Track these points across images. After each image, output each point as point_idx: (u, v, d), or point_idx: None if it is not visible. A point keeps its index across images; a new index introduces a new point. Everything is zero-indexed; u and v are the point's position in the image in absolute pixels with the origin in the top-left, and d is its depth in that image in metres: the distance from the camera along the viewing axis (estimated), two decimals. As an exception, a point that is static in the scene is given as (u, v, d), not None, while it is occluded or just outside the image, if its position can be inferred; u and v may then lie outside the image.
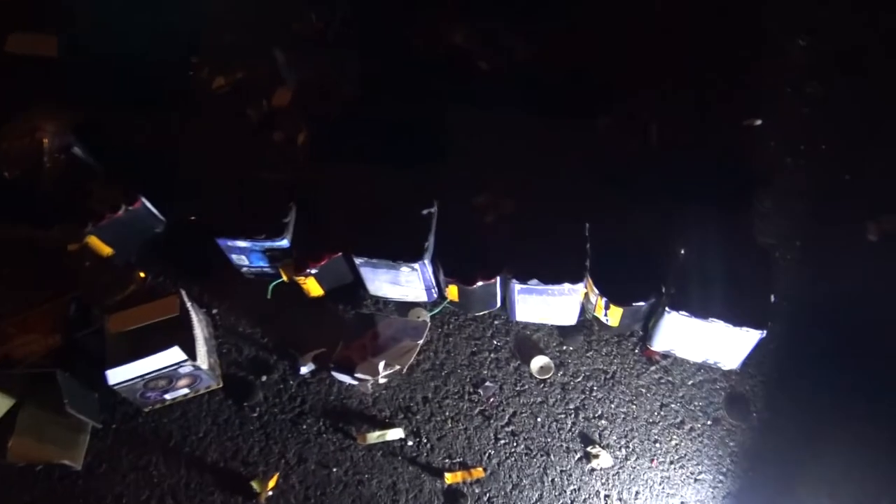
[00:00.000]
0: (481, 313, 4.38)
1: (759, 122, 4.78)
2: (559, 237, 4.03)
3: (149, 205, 4.50)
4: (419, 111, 4.84)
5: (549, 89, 4.88)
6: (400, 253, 4.00)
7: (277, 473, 4.02)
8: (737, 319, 3.66)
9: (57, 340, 4.11)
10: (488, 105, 4.84)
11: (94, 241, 4.35)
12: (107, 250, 4.43)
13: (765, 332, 3.66)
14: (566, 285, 3.87)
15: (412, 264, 4.00)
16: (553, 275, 3.88)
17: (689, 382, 4.12)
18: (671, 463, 3.93)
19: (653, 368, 4.17)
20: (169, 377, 3.99)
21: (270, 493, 3.98)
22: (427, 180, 4.55)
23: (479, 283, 4.04)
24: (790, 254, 4.40)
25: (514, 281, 3.93)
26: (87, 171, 4.56)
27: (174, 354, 3.84)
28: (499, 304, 4.33)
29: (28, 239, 4.32)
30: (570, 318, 4.23)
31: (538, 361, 4.22)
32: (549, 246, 4.01)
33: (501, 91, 4.92)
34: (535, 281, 3.88)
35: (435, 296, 4.36)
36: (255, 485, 3.98)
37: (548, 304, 4.08)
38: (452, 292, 4.19)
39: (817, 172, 4.63)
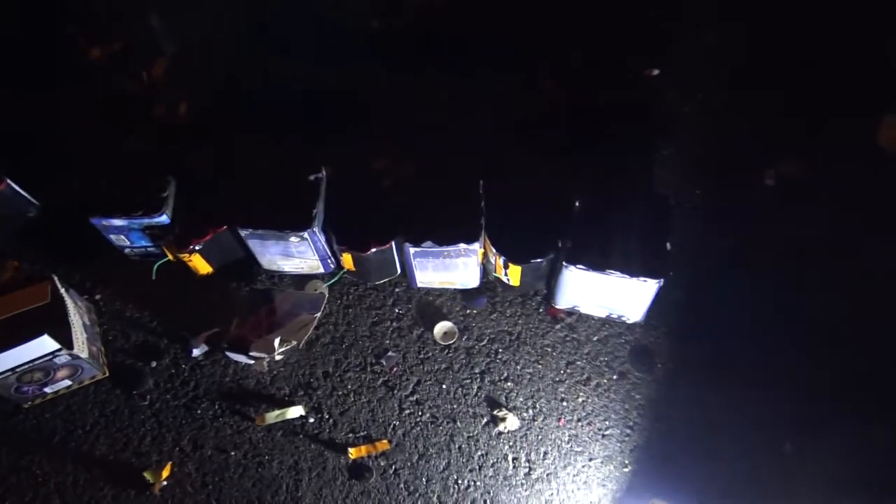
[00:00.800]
0: (381, 282, 4.22)
1: (657, 71, 4.71)
2: (454, 197, 3.88)
3: (16, 187, 4.16)
4: (308, 76, 4.60)
5: (449, 47, 4.70)
6: (287, 222, 3.80)
7: (171, 462, 3.81)
8: (634, 270, 3.59)
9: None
10: (384, 64, 4.64)
11: (-44, 229, 4.00)
12: (-28, 238, 4.09)
13: (662, 281, 3.60)
14: (461, 245, 3.73)
15: (301, 233, 3.80)
16: (448, 236, 3.73)
17: (594, 338, 4.06)
18: (578, 420, 3.86)
19: (558, 327, 4.09)
20: (45, 369, 3.71)
21: (165, 482, 3.76)
22: (322, 146, 4.34)
23: (374, 250, 3.88)
24: (690, 202, 4.35)
25: (407, 245, 3.77)
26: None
27: (45, 344, 3.57)
28: (399, 271, 4.17)
29: None
30: (471, 281, 4.11)
31: (441, 327, 4.09)
32: (444, 207, 3.86)
33: (398, 50, 4.72)
34: (428, 243, 3.74)
35: (332, 266, 4.18)
36: (147, 475, 3.76)
37: (447, 268, 3.94)
38: (348, 261, 4.01)
39: (715, 120, 4.59)
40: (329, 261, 4.11)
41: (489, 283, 4.18)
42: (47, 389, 3.88)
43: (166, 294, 4.19)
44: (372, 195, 4.11)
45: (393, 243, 3.90)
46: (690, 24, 4.89)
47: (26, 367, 3.64)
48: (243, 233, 3.87)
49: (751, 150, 4.47)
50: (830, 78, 4.48)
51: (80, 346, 3.77)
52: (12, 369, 3.61)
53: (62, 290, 3.80)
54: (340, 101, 4.66)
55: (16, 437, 3.89)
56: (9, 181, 4.12)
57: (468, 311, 4.14)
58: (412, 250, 3.80)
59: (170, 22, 4.83)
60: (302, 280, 4.24)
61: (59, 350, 3.63)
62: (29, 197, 4.25)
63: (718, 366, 3.90)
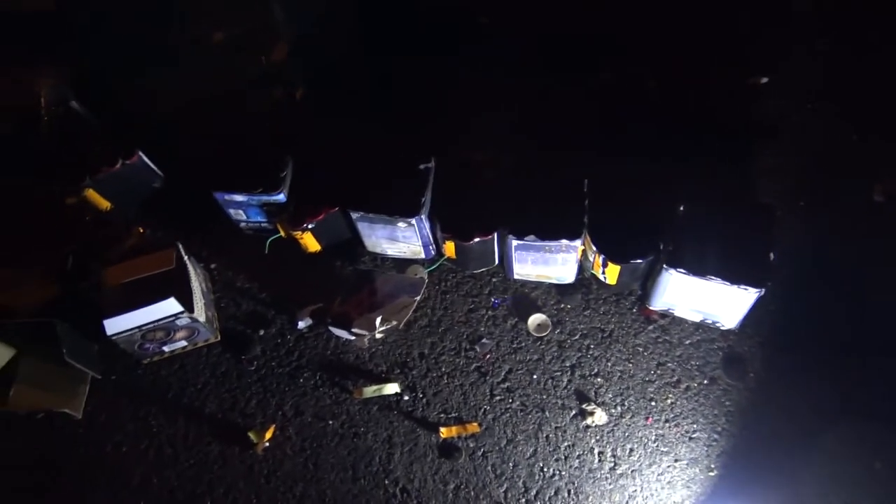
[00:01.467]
0: (479, 271, 4.36)
1: (765, 79, 4.67)
2: (558, 193, 3.98)
3: (146, 160, 4.49)
4: (420, 68, 4.76)
5: (551, 45, 4.78)
6: (397, 208, 3.98)
7: (274, 425, 4.06)
8: (735, 278, 3.61)
9: (54, 291, 4.15)
10: (490, 61, 4.75)
11: (93, 195, 4.36)
12: (105, 204, 4.44)
13: (763, 291, 3.61)
14: (563, 242, 3.83)
15: (409, 219, 3.97)
16: (550, 231, 3.84)
17: (687, 342, 4.09)
18: (666, 421, 3.92)
19: (650, 328, 4.14)
20: (166, 329, 4.01)
21: (267, 443, 4.02)
22: (427, 137, 4.50)
23: (476, 240, 4.01)
24: (794, 212, 4.32)
25: (510, 237, 3.89)
26: (84, 124, 4.54)
27: (170, 306, 3.86)
28: (497, 261, 4.30)
29: (26, 190, 4.33)
30: (568, 277, 4.20)
31: (535, 319, 4.20)
32: (548, 202, 3.96)
33: (503, 47, 4.82)
34: (532, 237, 3.85)
35: (433, 252, 4.34)
36: (252, 435, 4.02)
37: (545, 262, 4.05)
38: (450, 249, 4.17)
39: (825, 131, 4.53)
40: (431, 247, 4.28)
41: (585, 280, 4.27)
42: (166, 348, 4.18)
43: (276, 268, 4.44)
44: (476, 187, 4.25)
45: (495, 234, 4.03)
46: (801, 33, 4.81)
47: (151, 325, 3.93)
48: (354, 215, 4.06)
49: (860, 163, 4.39)
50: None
51: (199, 311, 4.05)
52: (139, 327, 3.91)
53: (185, 258, 4.08)
54: (446, 94, 4.79)
55: (136, 389, 4.22)
56: (140, 153, 4.44)
57: (562, 306, 4.24)
58: (514, 243, 3.92)
59: (289, 10, 5.06)
60: (403, 264, 4.42)
61: (181, 312, 3.91)
62: (156, 169, 4.57)
63: (811, 379, 3.89)
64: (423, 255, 4.35)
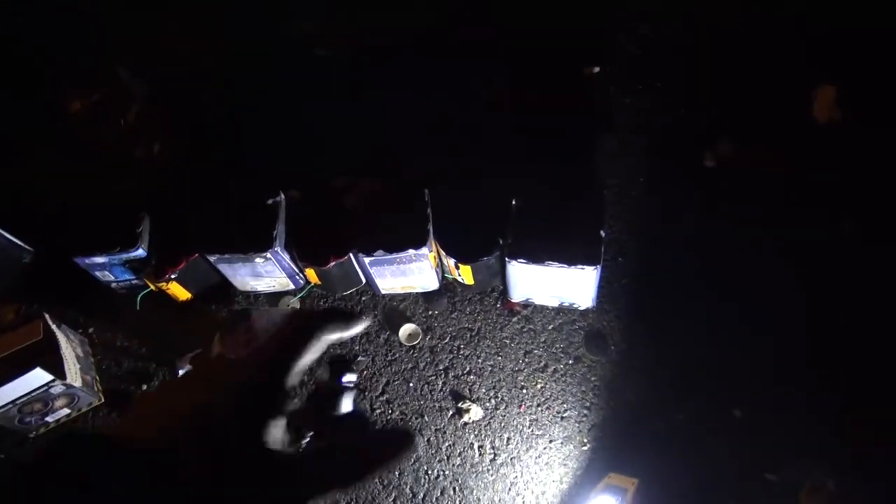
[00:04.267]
0: (348, 292, 4.50)
1: (597, 69, 4.93)
2: (402, 207, 4.15)
3: (9, 236, 4.54)
4: (268, 106, 4.91)
5: (390, 66, 4.99)
6: (249, 245, 4.10)
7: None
8: (570, 259, 3.81)
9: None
10: (329, 91, 4.94)
11: (-42, 279, 4.39)
12: (-27, 286, 4.47)
13: (599, 266, 3.81)
14: (410, 251, 3.99)
15: (263, 254, 4.10)
16: (396, 243, 4.00)
17: (550, 327, 4.28)
18: (538, 405, 4.09)
19: (514, 319, 4.32)
20: (43, 399, 4.05)
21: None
22: (281, 172, 4.64)
23: (332, 263, 4.15)
24: (635, 189, 4.56)
25: (361, 255, 4.05)
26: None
27: (39, 376, 3.91)
28: (363, 280, 4.44)
29: None
30: (431, 283, 4.36)
31: (406, 329, 4.35)
32: (393, 217, 4.13)
33: (342, 75, 5.02)
34: (380, 252, 4.00)
35: (301, 282, 4.46)
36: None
37: (403, 273, 4.21)
38: (312, 275, 4.30)
39: (654, 109, 4.80)
40: (297, 276, 4.40)
41: (448, 285, 4.44)
42: (49, 419, 4.22)
43: (152, 322, 4.52)
44: (330, 212, 4.40)
45: (351, 255, 4.18)
46: (624, 21, 5.10)
47: (25, 398, 3.97)
48: (212, 258, 4.18)
49: (689, 135, 4.66)
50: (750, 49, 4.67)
51: (74, 376, 4.10)
52: (13, 401, 3.95)
53: (53, 326, 4.14)
54: (294, 128, 4.95)
55: (27, 465, 4.22)
56: (1, 231, 4.50)
57: (430, 313, 4.40)
58: (367, 259, 4.07)
59: (139, 71, 5.19)
60: (276, 298, 4.54)
61: (52, 381, 3.96)
62: (22, 244, 4.63)
63: (669, 344, 4.10)
64: (291, 286, 4.47)
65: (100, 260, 4.28)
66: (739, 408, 3.92)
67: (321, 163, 4.73)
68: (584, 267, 3.83)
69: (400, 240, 4.03)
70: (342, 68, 5.04)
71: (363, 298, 4.50)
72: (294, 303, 4.48)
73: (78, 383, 4.12)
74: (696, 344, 4.07)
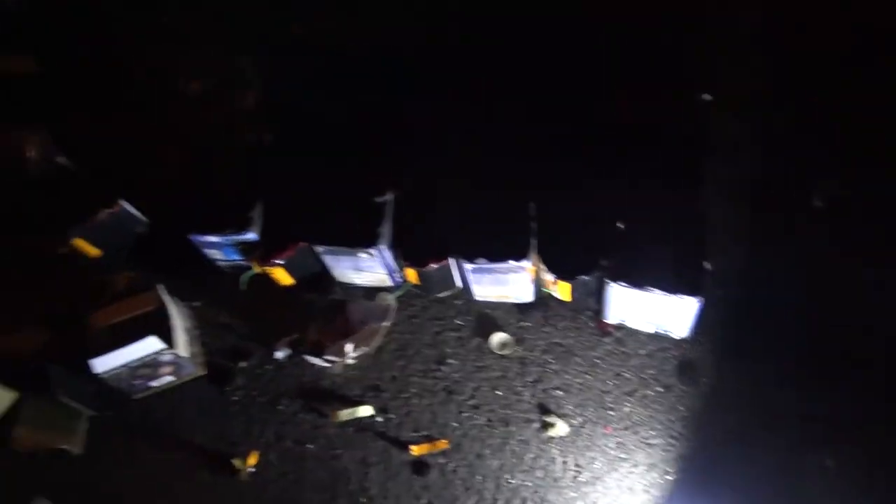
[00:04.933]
0: (443, 294, 4.59)
1: (708, 96, 4.84)
2: (507, 217, 4.21)
3: (129, 207, 4.79)
4: (379, 107, 5.00)
5: (503, 71, 5.01)
6: (357, 240, 4.23)
7: (257, 451, 4.31)
8: (672, 288, 3.80)
9: (48, 335, 4.46)
10: (441, 97, 5.01)
11: (81, 244, 4.67)
12: (94, 251, 4.75)
13: (701, 298, 3.79)
14: (511, 262, 4.05)
15: (369, 250, 4.22)
16: (499, 253, 4.06)
17: (642, 352, 4.27)
18: (625, 429, 4.10)
19: (607, 340, 4.33)
20: (152, 365, 4.29)
21: (252, 469, 4.27)
22: (389, 169, 4.74)
23: (433, 266, 4.25)
24: (742, 223, 4.49)
25: (463, 261, 4.12)
26: (71, 178, 4.87)
27: (152, 343, 4.15)
28: (459, 284, 4.52)
29: (20, 244, 4.67)
30: (526, 295, 4.41)
31: (498, 338, 4.42)
32: (498, 226, 4.19)
33: (451, 81, 5.07)
34: (482, 260, 4.07)
35: (399, 280, 4.58)
36: (236, 463, 4.27)
37: (501, 283, 4.27)
38: (412, 276, 4.41)
39: (766, 143, 4.69)
40: (396, 274, 4.52)
41: (543, 298, 4.47)
42: (154, 384, 4.46)
43: (254, 302, 4.71)
44: (435, 214, 4.48)
45: (450, 259, 4.26)
46: (743, 52, 4.98)
47: (136, 363, 4.22)
48: (320, 249, 4.33)
49: (797, 170, 4.54)
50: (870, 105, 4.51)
51: (181, 347, 4.33)
52: (125, 364, 4.20)
53: (166, 298, 4.37)
54: (402, 130, 5.03)
55: (129, 424, 4.50)
56: (123, 202, 4.75)
57: (523, 324, 4.45)
58: (468, 266, 4.15)
59: (256, 62, 5.38)
60: (372, 292, 4.67)
61: (163, 349, 4.19)
62: (140, 216, 4.89)
63: (763, 384, 4.04)
64: (390, 283, 4.59)
65: (214, 239, 4.49)
66: (832, 457, 3.84)
67: (429, 163, 4.80)
68: (686, 297, 3.81)
69: (502, 250, 4.08)
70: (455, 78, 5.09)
71: (457, 303, 4.59)
72: (391, 300, 4.59)
73: (185, 354, 4.35)
74: (791, 387, 4.00)
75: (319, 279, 4.67)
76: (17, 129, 4.86)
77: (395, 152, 4.60)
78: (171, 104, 5.34)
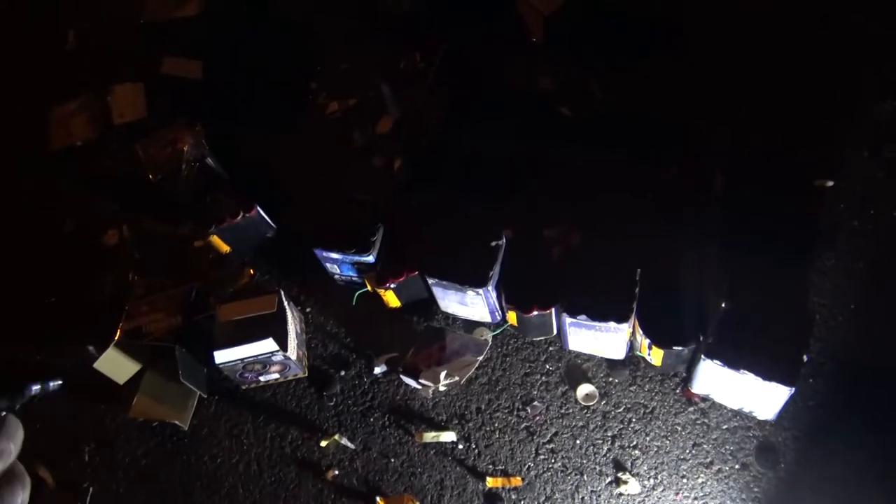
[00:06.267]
0: (538, 339, 4.82)
1: (831, 183, 4.92)
2: (613, 278, 4.40)
3: (263, 213, 5.24)
4: (502, 149, 5.30)
5: (624, 136, 5.23)
6: (467, 278, 4.52)
7: (344, 456, 4.65)
8: (767, 374, 3.91)
9: (178, 321, 4.96)
10: (566, 147, 5.26)
11: (216, 240, 5.15)
12: (225, 248, 5.22)
13: (793, 388, 3.89)
14: (612, 324, 4.24)
15: (477, 289, 4.50)
16: (601, 313, 4.26)
17: (724, 426, 4.38)
18: (695, 499, 4.23)
19: (690, 409, 4.46)
20: (263, 362, 4.70)
21: (336, 472, 4.61)
22: (503, 213, 5.03)
23: (535, 313, 4.49)
24: (842, 314, 4.54)
25: (564, 314, 4.35)
26: (215, 179, 5.38)
27: (269, 344, 4.54)
28: (555, 331, 4.75)
29: (163, 233, 5.20)
30: (618, 353, 4.59)
31: (584, 389, 4.61)
32: (603, 285, 4.39)
33: (579, 135, 5.32)
34: (583, 316, 4.28)
35: (498, 318, 4.84)
36: (323, 463, 4.62)
37: (597, 338, 4.47)
38: (512, 317, 4.66)
39: (883, 238, 4.73)
40: (496, 313, 4.78)
41: (634, 358, 4.64)
42: (261, 378, 4.87)
43: (361, 318, 5.06)
44: (543, 262, 4.73)
45: (553, 309, 4.49)
46: (871, 139, 5.03)
47: (251, 359, 4.63)
48: (431, 281, 4.64)
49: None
50: None
51: (292, 350, 4.72)
52: (241, 359, 4.62)
53: (286, 304, 4.78)
54: (523, 174, 5.31)
55: (233, 409, 4.93)
56: (258, 208, 5.21)
57: (610, 380, 4.63)
58: (568, 320, 4.37)
59: (397, 89, 5.77)
60: (471, 325, 4.94)
61: (277, 350, 4.59)
62: (270, 221, 5.33)
63: (844, 478, 4.09)
64: (489, 320, 4.86)
65: (335, 255, 4.87)
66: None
67: (542, 206, 5.06)
68: (779, 385, 3.91)
69: (604, 309, 4.28)
70: (579, 128, 5.34)
71: (550, 349, 4.81)
72: (488, 336, 4.86)
73: (293, 356, 4.74)
74: (872, 487, 4.03)
75: (425, 306, 4.99)
76: (175, 128, 5.40)
77: (526, 196, 4.87)
78: (313, 122, 5.81)
